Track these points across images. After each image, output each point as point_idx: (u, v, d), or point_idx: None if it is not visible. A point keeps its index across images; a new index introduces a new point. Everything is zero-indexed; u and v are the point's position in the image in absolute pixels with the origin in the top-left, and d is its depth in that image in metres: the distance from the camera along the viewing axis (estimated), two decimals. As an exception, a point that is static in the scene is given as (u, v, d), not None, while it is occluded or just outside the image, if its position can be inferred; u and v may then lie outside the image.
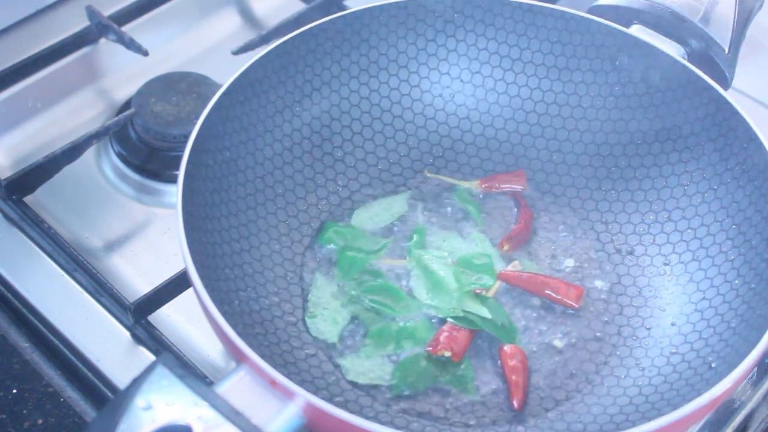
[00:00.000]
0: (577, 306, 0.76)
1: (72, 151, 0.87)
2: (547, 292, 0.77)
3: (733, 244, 0.75)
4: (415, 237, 0.80)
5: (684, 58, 0.80)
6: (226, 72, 0.77)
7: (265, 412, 0.57)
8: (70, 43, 0.98)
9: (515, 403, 0.71)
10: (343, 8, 0.98)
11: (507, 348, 0.73)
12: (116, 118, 0.91)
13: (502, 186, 0.83)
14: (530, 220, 0.81)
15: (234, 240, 0.75)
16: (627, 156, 0.82)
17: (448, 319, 0.74)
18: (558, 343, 0.75)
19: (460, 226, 0.81)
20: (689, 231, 0.78)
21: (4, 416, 0.73)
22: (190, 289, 0.69)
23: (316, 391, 0.69)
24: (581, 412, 0.71)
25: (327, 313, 0.75)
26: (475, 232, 0.81)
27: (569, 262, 0.79)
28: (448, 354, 0.73)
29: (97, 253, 0.84)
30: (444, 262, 0.77)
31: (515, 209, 0.82)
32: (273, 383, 0.58)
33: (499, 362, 0.73)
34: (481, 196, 0.83)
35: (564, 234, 0.81)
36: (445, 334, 0.73)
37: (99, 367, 0.76)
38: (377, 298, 0.76)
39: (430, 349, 0.73)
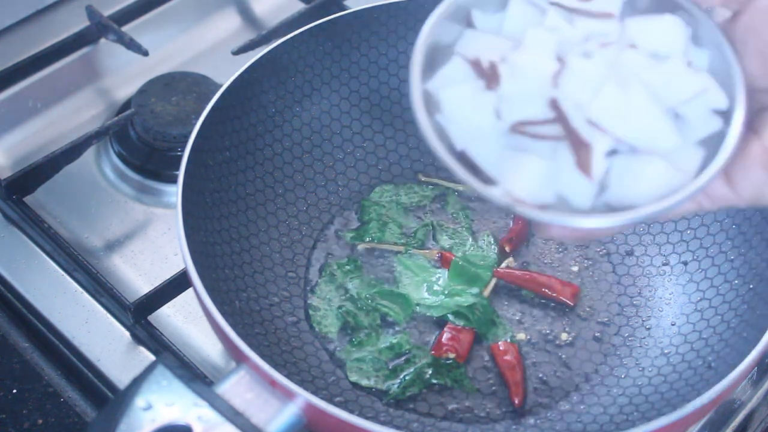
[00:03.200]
0: (572, 304, 0.76)
1: (72, 151, 0.87)
2: (543, 289, 0.77)
3: (733, 244, 0.75)
4: (419, 232, 0.80)
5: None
6: (226, 72, 0.77)
7: (265, 412, 0.57)
8: (70, 43, 0.98)
9: (516, 400, 0.71)
10: (343, 8, 0.98)
11: (500, 345, 0.74)
12: (116, 118, 0.91)
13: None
14: (527, 221, 0.81)
15: (234, 240, 0.75)
16: (627, 156, 0.82)
17: (449, 316, 0.75)
18: (558, 344, 0.75)
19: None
20: (689, 231, 0.78)
21: (4, 416, 0.73)
22: (190, 289, 0.69)
23: (316, 391, 0.69)
24: (581, 412, 0.71)
25: (329, 309, 0.75)
26: (485, 232, 0.81)
27: (569, 262, 0.79)
28: (452, 356, 0.73)
29: (97, 253, 0.84)
30: (427, 265, 0.78)
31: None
32: (273, 383, 0.58)
33: (494, 360, 0.73)
34: (475, 198, 0.83)
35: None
36: (447, 335, 0.74)
37: (99, 367, 0.76)
38: (387, 304, 0.76)
39: (434, 352, 0.73)
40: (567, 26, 0.52)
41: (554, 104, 0.50)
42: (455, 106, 0.52)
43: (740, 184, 0.51)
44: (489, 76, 0.51)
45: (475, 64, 0.52)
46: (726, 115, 0.51)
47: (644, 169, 0.50)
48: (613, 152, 0.50)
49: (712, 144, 0.51)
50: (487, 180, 0.51)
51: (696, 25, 0.52)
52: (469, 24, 0.54)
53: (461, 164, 0.51)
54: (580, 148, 0.49)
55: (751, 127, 0.51)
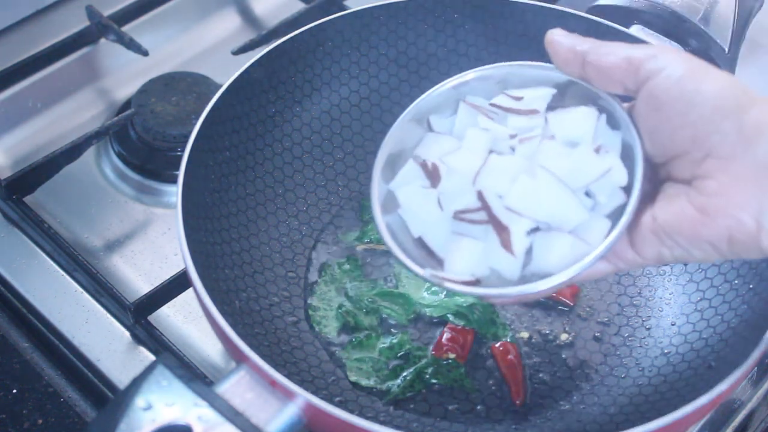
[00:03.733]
0: (572, 304, 0.76)
1: (72, 151, 0.87)
2: None
3: (733, 244, 0.75)
4: None
5: (684, 58, 0.80)
6: (226, 72, 0.77)
7: (265, 412, 0.57)
8: (70, 43, 0.98)
9: (518, 400, 0.71)
10: (343, 8, 0.98)
11: (499, 345, 0.74)
12: (116, 118, 0.91)
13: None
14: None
15: (234, 240, 0.75)
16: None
17: (449, 316, 0.75)
18: (558, 344, 0.75)
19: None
20: (689, 231, 0.78)
21: (4, 416, 0.73)
22: (190, 289, 0.69)
23: (316, 391, 0.69)
24: (581, 411, 0.71)
25: (329, 309, 0.76)
26: None
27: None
28: (452, 356, 0.73)
29: (97, 253, 0.84)
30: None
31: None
32: (273, 383, 0.58)
33: (494, 360, 0.73)
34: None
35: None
36: (447, 335, 0.74)
37: (99, 367, 0.76)
38: (387, 305, 0.76)
39: (434, 352, 0.73)
40: (496, 126, 0.61)
41: (480, 195, 0.59)
42: (408, 202, 0.62)
43: (640, 248, 0.58)
44: (432, 175, 0.61)
45: (423, 166, 0.62)
46: (628, 190, 0.58)
47: (554, 243, 0.58)
48: (535, 230, 0.58)
49: (618, 215, 0.58)
50: (439, 260, 0.61)
51: (612, 110, 0.60)
52: (429, 128, 0.64)
53: (418, 248, 0.61)
54: (501, 230, 0.58)
55: (650, 198, 0.58)
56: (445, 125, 0.64)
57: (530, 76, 0.63)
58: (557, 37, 0.60)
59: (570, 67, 0.60)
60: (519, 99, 0.62)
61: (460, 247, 0.60)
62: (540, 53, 0.83)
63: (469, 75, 0.64)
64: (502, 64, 0.64)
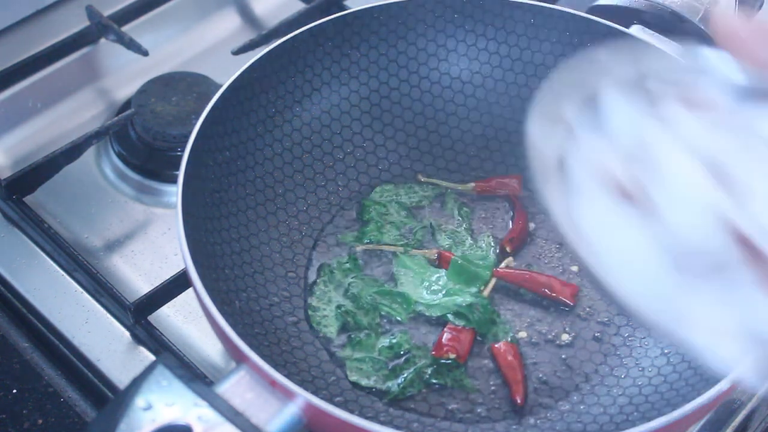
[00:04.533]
0: (572, 303, 0.76)
1: (72, 151, 0.87)
2: (542, 289, 0.77)
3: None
4: (418, 232, 0.81)
5: (684, 58, 0.80)
6: (226, 72, 0.77)
7: (265, 412, 0.57)
8: (70, 43, 0.98)
9: (518, 399, 0.71)
10: (343, 8, 0.98)
11: (499, 345, 0.74)
12: (116, 118, 0.91)
13: (497, 190, 0.83)
14: (526, 221, 0.81)
15: (234, 240, 0.75)
16: (627, 156, 0.82)
17: (449, 316, 0.75)
18: (558, 344, 0.75)
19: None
20: (689, 231, 0.77)
21: (4, 416, 0.73)
22: (190, 289, 0.69)
23: (316, 391, 0.69)
24: (581, 412, 0.71)
25: (328, 309, 0.75)
26: (485, 233, 0.81)
27: (569, 262, 0.79)
28: (453, 356, 0.73)
29: (97, 253, 0.84)
30: (426, 265, 0.78)
31: (510, 211, 0.82)
32: (273, 383, 0.58)
33: (494, 360, 0.73)
34: (474, 198, 0.83)
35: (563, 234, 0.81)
36: (447, 335, 0.74)
37: (99, 367, 0.76)
38: (387, 303, 0.76)
39: (435, 352, 0.73)
40: (691, 120, 0.43)
41: (730, 225, 0.41)
42: (598, 233, 0.44)
43: None
44: (639, 198, 0.42)
45: (614, 185, 0.43)
46: None
47: None
48: None
49: None
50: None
51: None
52: (568, 128, 0.47)
53: None
54: None
55: None
56: (623, 116, 0.46)
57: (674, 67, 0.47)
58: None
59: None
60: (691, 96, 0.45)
61: (699, 304, 0.42)
62: (540, 54, 0.83)
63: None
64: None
